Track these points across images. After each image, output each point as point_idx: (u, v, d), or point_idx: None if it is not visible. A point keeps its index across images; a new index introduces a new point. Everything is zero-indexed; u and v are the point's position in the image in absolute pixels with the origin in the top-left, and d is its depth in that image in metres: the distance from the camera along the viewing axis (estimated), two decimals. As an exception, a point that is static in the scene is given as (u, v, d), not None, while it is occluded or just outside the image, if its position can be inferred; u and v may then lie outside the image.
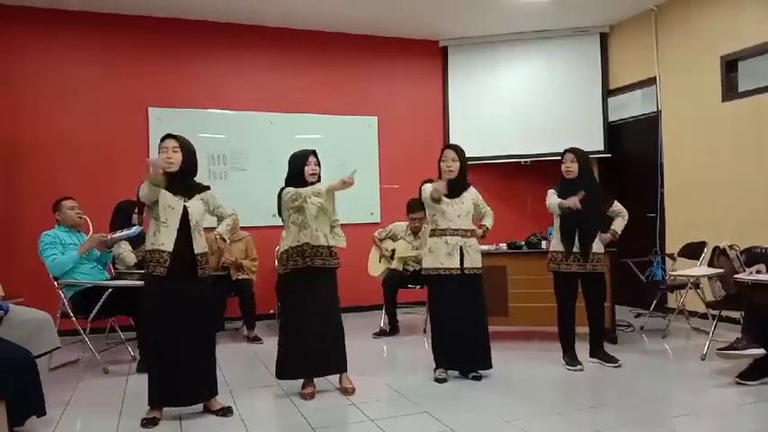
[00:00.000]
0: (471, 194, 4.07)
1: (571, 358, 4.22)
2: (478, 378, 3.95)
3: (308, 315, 3.62)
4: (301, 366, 3.67)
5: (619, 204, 4.39)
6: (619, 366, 4.16)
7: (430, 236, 4.02)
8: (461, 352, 3.97)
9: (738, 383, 3.66)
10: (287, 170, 3.74)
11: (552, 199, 4.21)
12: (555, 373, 4.14)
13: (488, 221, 4.12)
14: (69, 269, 4.35)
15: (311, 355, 3.64)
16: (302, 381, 3.71)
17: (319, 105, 6.68)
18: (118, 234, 4.57)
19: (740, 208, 5.37)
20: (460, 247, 3.92)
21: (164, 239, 3.22)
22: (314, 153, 3.72)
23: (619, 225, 4.34)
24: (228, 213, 3.49)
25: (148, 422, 3.20)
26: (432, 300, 4.14)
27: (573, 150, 4.24)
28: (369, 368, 4.27)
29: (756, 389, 3.59)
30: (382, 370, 4.45)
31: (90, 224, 4.70)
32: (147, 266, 3.23)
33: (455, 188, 3.98)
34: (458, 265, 3.91)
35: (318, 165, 3.72)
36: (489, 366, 4.02)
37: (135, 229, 4.73)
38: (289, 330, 3.72)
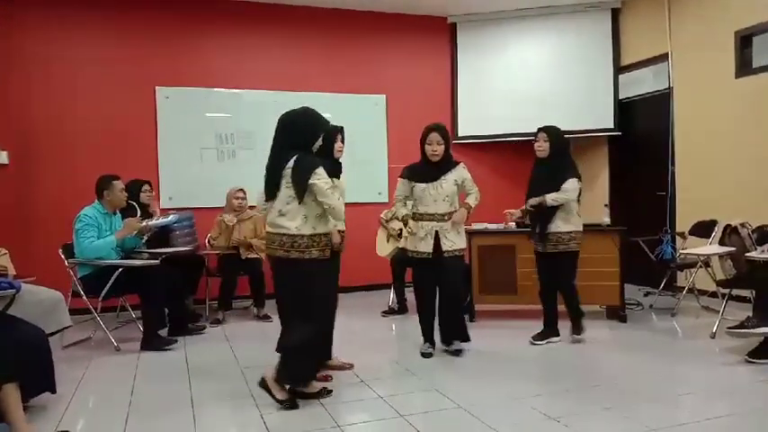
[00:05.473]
0: (455, 175, 3.97)
1: (542, 334, 4.33)
2: (459, 352, 4.04)
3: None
4: None
5: (571, 183, 4.11)
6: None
7: (413, 218, 4.03)
8: (438, 326, 4.12)
9: (748, 362, 3.66)
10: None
11: None
12: (564, 350, 4.15)
13: (472, 199, 4.02)
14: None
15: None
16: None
17: (327, 84, 6.62)
18: (153, 221, 4.55)
19: (752, 186, 5.30)
20: (436, 231, 3.93)
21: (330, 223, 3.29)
22: (341, 130, 3.75)
23: (551, 195, 4.10)
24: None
25: (291, 404, 3.15)
26: (412, 280, 4.24)
27: (545, 129, 4.24)
28: (377, 346, 4.30)
29: (767, 367, 3.57)
30: (391, 348, 4.47)
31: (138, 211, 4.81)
32: (310, 251, 3.11)
33: (435, 172, 3.96)
34: (430, 250, 3.94)
35: (343, 142, 3.72)
36: (467, 339, 4.12)
37: (172, 218, 4.68)
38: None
